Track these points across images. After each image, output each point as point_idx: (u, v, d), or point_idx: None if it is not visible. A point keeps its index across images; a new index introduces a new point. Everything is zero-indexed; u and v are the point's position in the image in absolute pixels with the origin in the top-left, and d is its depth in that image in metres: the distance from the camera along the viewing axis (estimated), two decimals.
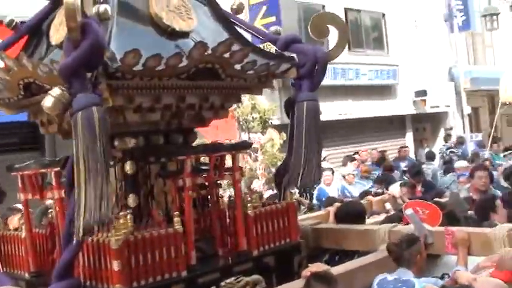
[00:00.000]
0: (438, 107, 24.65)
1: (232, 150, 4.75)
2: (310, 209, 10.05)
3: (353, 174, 13.84)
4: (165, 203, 4.65)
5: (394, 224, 5.77)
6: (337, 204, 7.02)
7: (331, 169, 13.50)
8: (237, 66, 4.35)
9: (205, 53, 4.06)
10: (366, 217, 6.78)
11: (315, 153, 4.90)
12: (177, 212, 4.25)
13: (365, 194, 9.81)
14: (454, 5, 25.92)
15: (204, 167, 4.76)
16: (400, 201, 8.44)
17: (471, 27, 26.95)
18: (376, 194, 9.34)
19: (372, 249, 5.46)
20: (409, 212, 5.39)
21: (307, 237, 5.74)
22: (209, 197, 4.92)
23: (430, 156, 17.52)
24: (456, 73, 25.72)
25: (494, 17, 24.01)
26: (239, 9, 5.14)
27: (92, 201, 3.38)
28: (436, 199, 8.06)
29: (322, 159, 15.38)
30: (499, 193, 8.59)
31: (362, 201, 8.10)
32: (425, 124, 25.62)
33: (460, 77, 25.23)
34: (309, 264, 4.76)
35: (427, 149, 20.93)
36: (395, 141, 22.91)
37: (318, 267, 4.59)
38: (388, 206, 8.62)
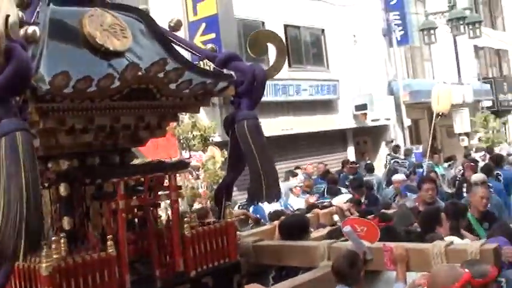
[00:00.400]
0: (378, 120, 25.03)
1: (168, 170, 4.70)
2: (257, 223, 10.06)
3: (299, 186, 13.95)
4: (102, 225, 4.57)
5: (333, 240, 5.81)
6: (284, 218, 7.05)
7: None
8: (172, 86, 4.31)
9: (138, 74, 4.02)
10: (311, 230, 6.83)
11: (273, 170, 4.91)
12: (110, 236, 4.18)
13: (312, 206, 9.85)
14: (392, 20, 26.47)
15: (141, 187, 4.70)
16: (348, 214, 8.51)
17: (409, 42, 27.55)
18: (324, 207, 9.38)
19: (312, 265, 5.49)
20: (347, 229, 5.44)
21: (249, 255, 5.73)
22: (146, 217, 4.84)
23: (370, 168, 17.81)
24: (395, 86, 26.22)
25: (432, 31, 24.49)
26: (177, 26, 5.10)
27: (12, 231, 3.29)
28: (383, 211, 8.20)
29: None
30: (443, 204, 8.80)
31: (309, 214, 8.11)
32: (366, 137, 26.00)
33: (400, 90, 25.67)
34: (245, 287, 4.74)
35: (368, 161, 21.25)
36: (337, 155, 23.18)
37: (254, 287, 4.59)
38: (336, 218, 8.68)
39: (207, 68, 5.39)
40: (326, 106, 22.76)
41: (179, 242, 4.66)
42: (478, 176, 10.55)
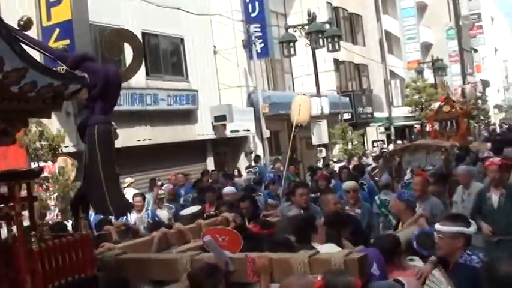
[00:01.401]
0: (238, 131, 25.29)
1: (11, 180, 4.47)
2: (136, 234, 9.83)
3: (161, 198, 13.92)
4: None
5: (197, 251, 5.65)
6: (164, 229, 6.87)
7: (142, 194, 13.40)
8: (14, 88, 4.10)
9: None
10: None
11: (114, 180, 4.72)
12: None
13: (195, 216, 9.73)
14: (253, 32, 26.74)
15: None
16: (233, 224, 8.39)
17: (270, 54, 27.99)
18: (208, 217, 9.22)
19: (175, 278, 5.33)
20: (206, 239, 5.27)
21: (111, 269, 5.53)
22: None
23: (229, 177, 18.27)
24: (255, 98, 26.55)
25: (291, 44, 24.93)
26: (26, 24, 4.87)
27: None
28: (265, 218, 8.32)
29: (128, 185, 15.22)
30: (318, 209, 9.09)
31: (191, 225, 7.91)
32: (226, 148, 26.17)
33: (259, 102, 26.00)
34: None
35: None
36: (196, 166, 23.20)
37: None
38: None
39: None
40: (185, 116, 22.73)
41: (25, 257, 4.45)
42: (349, 184, 10.75)
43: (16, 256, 4.52)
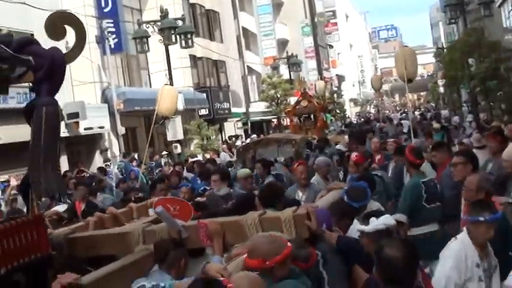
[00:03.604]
0: (92, 128, 25.05)
1: None
2: (70, 220, 9.72)
3: (15, 199, 13.87)
4: None
5: (147, 223, 5.90)
6: (99, 214, 6.95)
7: None
8: None
9: None
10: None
11: (53, 162, 4.77)
12: None
13: (125, 201, 9.71)
14: (106, 27, 26.60)
15: None
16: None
17: (123, 49, 27.88)
18: (137, 199, 9.12)
19: (128, 251, 5.54)
20: (159, 210, 5.48)
21: (61, 248, 5.65)
22: None
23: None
24: (110, 94, 26.38)
25: (144, 40, 24.90)
26: None
27: None
28: (198, 199, 8.61)
29: None
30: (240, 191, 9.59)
31: (123, 209, 7.85)
32: (80, 146, 25.86)
33: (114, 98, 25.87)
34: (58, 276, 4.66)
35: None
36: None
37: (67, 277, 4.58)
38: (151, 212, 8.56)
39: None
40: None
41: None
42: (243, 172, 10.98)
43: None
